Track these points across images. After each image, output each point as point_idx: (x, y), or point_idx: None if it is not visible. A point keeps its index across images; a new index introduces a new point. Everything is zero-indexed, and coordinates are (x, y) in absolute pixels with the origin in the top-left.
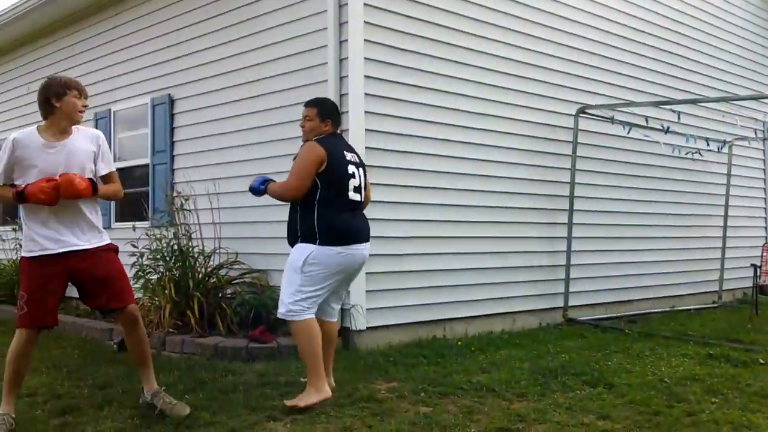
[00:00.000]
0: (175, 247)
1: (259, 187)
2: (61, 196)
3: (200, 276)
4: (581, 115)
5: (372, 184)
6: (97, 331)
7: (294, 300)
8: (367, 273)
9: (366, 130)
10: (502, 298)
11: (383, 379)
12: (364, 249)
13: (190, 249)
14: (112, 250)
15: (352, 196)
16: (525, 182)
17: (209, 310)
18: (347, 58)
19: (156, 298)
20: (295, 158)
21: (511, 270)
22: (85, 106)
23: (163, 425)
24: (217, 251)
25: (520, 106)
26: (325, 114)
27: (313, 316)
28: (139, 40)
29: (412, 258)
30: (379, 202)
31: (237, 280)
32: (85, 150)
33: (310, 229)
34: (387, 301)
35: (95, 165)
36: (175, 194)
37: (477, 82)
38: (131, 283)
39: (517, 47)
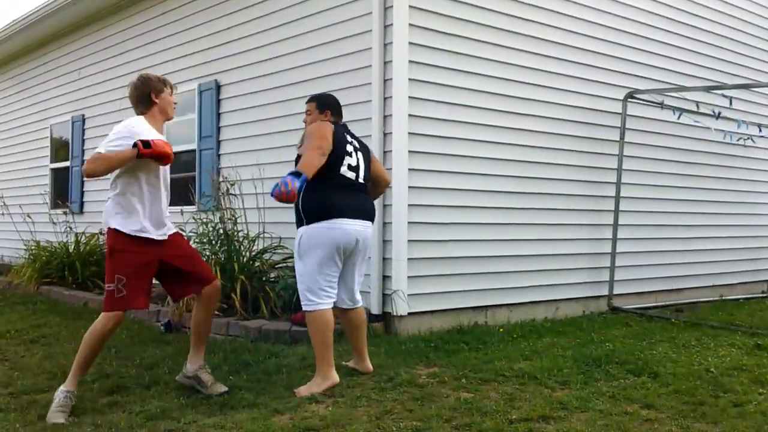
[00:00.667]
0: (221, 231)
1: (294, 181)
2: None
3: (245, 260)
4: (630, 100)
5: (414, 170)
6: (144, 312)
7: (305, 290)
8: (409, 259)
9: (409, 115)
10: (545, 285)
11: (424, 364)
12: (358, 225)
13: (236, 233)
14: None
15: (346, 172)
16: (571, 168)
17: (253, 293)
18: (391, 42)
19: None
20: (300, 146)
21: (555, 257)
22: (176, 104)
23: (208, 405)
24: (261, 235)
25: (567, 90)
26: (323, 106)
27: (328, 306)
28: (187, 26)
29: (455, 244)
30: (422, 188)
31: (280, 265)
32: None
33: (298, 213)
34: (429, 286)
35: None
36: (221, 179)
37: (523, 67)
38: None
39: (565, 30)
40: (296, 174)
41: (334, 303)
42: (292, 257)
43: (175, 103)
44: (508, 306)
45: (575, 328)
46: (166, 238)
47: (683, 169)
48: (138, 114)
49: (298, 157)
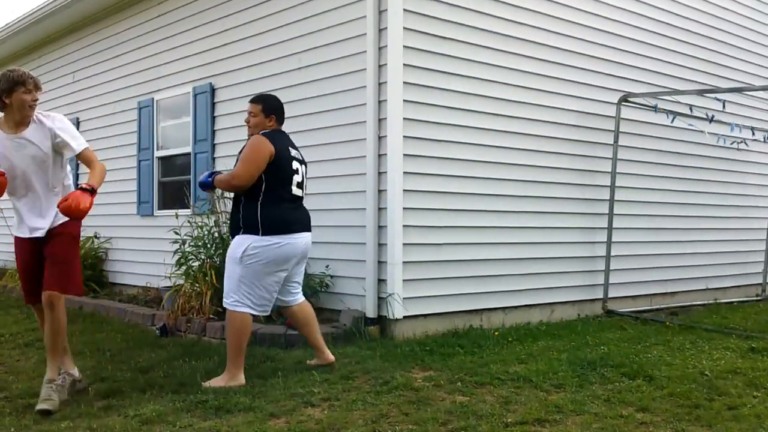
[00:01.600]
0: (216, 234)
1: (207, 180)
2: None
3: None
4: (623, 103)
5: (409, 173)
6: (139, 316)
7: (236, 292)
8: (404, 262)
9: (404, 118)
10: (540, 288)
11: (420, 367)
12: (306, 237)
13: (230, 237)
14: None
15: (295, 191)
16: (565, 172)
17: None
18: (386, 46)
19: (197, 285)
20: (240, 152)
21: (549, 260)
22: (36, 100)
23: (204, 409)
24: None
25: (561, 94)
26: (270, 110)
27: (254, 312)
28: (182, 29)
29: (450, 247)
30: (417, 191)
31: None
32: (42, 143)
33: (253, 220)
34: (424, 290)
35: (63, 148)
36: None
37: (517, 70)
38: (173, 270)
39: (559, 34)
40: (216, 173)
41: (275, 306)
42: None
43: (35, 100)
44: (503, 309)
45: (570, 331)
46: (39, 236)
47: (677, 173)
48: None
49: (236, 162)
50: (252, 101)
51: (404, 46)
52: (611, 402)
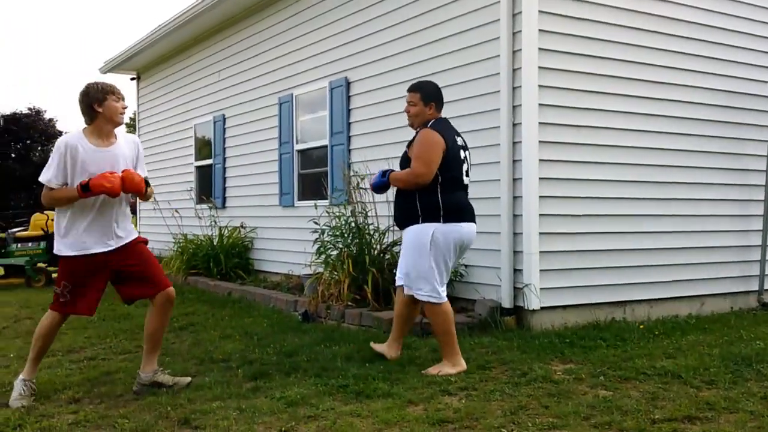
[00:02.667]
0: (353, 224)
1: (382, 181)
2: (125, 189)
3: (375, 252)
4: None
5: (544, 160)
6: (283, 302)
7: (432, 282)
8: (540, 252)
9: (539, 104)
10: (689, 280)
11: (559, 360)
12: (475, 228)
13: (366, 226)
14: (141, 242)
15: (465, 180)
16: (714, 156)
17: (384, 285)
18: (520, 30)
19: (335, 273)
20: (409, 145)
21: (699, 250)
22: (125, 108)
23: (344, 393)
24: (391, 228)
25: (710, 73)
26: (429, 97)
27: (445, 299)
28: (317, 26)
29: (589, 236)
30: (553, 179)
31: None
32: (129, 155)
33: (434, 208)
34: (562, 280)
35: (135, 169)
36: (351, 173)
37: (658, 49)
38: (313, 258)
39: (705, 10)
40: (389, 171)
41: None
42: None
43: (125, 108)
44: (648, 301)
45: (722, 325)
46: (112, 248)
47: None
48: (87, 124)
49: (405, 155)
50: (410, 89)
51: (539, 30)
52: None
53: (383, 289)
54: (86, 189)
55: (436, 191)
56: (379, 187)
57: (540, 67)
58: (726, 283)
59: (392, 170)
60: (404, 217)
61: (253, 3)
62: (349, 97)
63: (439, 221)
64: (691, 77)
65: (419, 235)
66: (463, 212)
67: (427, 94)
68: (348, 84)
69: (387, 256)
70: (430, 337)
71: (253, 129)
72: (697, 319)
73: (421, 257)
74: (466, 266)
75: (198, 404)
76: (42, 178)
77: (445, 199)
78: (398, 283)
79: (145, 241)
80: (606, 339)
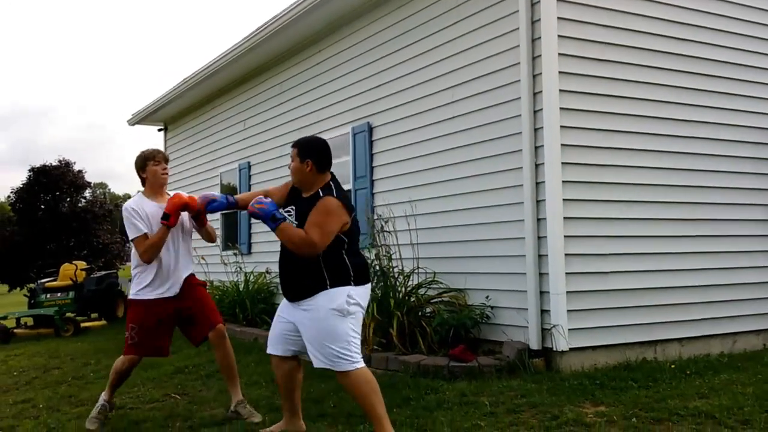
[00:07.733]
0: (377, 267)
1: (271, 215)
2: (195, 205)
3: (400, 295)
4: None
5: (568, 200)
6: None
7: (347, 348)
8: (568, 292)
9: (562, 144)
10: (720, 317)
11: (590, 402)
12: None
13: (391, 269)
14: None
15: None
16: (747, 192)
17: (410, 328)
18: (540, 55)
19: None
20: (312, 210)
21: (731, 287)
22: (165, 169)
23: None
24: (416, 271)
25: (740, 111)
26: (305, 155)
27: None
28: (339, 74)
29: (617, 276)
30: (578, 218)
31: (435, 299)
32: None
33: (343, 270)
34: (591, 320)
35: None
36: (375, 217)
37: (683, 88)
38: None
39: (732, 49)
40: (283, 219)
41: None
42: (447, 292)
43: (165, 170)
44: (679, 340)
45: (755, 362)
46: (174, 293)
47: None
48: (143, 186)
49: (302, 212)
50: (292, 146)
51: (559, 72)
52: None
53: (409, 333)
54: (167, 217)
55: (341, 255)
56: (266, 216)
57: (561, 108)
58: (759, 319)
59: (236, 200)
60: (300, 284)
61: (275, 55)
62: (371, 142)
63: (350, 284)
64: (719, 115)
65: (332, 299)
66: (368, 273)
67: (304, 150)
68: (371, 129)
69: (412, 299)
70: (458, 380)
71: (278, 175)
72: (730, 357)
73: (336, 323)
74: (492, 308)
75: None
76: (133, 234)
77: (354, 262)
78: (275, 352)
79: (204, 284)
80: (637, 379)
